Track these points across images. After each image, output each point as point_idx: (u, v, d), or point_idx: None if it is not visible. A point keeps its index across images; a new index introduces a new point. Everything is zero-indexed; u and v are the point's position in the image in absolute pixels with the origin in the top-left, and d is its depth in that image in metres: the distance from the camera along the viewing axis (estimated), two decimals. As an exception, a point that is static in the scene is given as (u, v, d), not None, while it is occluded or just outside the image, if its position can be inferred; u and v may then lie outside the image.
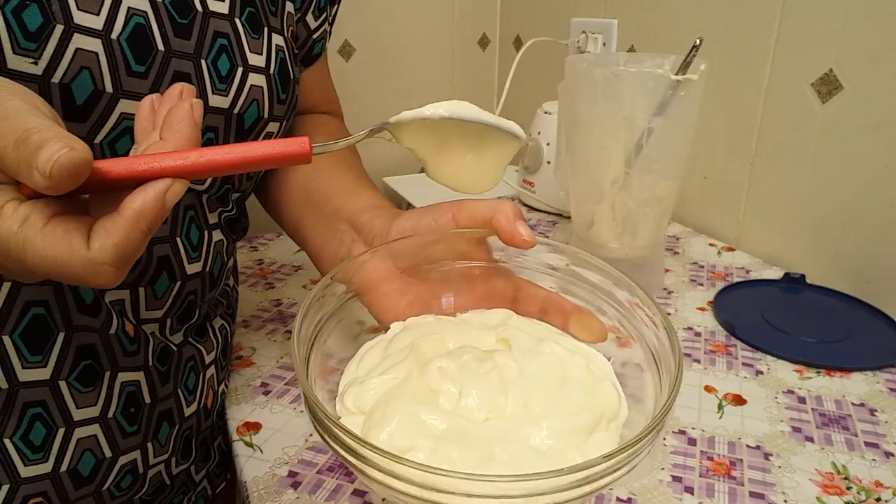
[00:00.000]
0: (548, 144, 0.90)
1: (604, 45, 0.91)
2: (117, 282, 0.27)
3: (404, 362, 0.36)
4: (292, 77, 0.49)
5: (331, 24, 0.58)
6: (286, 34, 0.49)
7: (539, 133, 0.92)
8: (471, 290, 0.43)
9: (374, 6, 1.15)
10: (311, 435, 0.48)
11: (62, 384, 0.40)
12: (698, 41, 0.56)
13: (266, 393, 0.53)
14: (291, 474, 0.44)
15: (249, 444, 0.47)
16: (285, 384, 0.54)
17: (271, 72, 0.46)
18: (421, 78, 1.25)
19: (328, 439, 0.29)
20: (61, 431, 0.40)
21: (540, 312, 0.41)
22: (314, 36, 0.56)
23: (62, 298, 0.39)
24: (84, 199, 0.28)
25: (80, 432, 0.41)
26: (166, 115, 0.29)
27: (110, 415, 0.42)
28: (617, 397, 0.35)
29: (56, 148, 0.23)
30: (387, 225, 0.43)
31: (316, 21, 0.55)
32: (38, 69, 0.34)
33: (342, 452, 0.28)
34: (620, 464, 0.27)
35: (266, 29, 0.46)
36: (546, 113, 0.91)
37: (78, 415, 0.41)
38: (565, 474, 0.26)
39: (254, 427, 0.49)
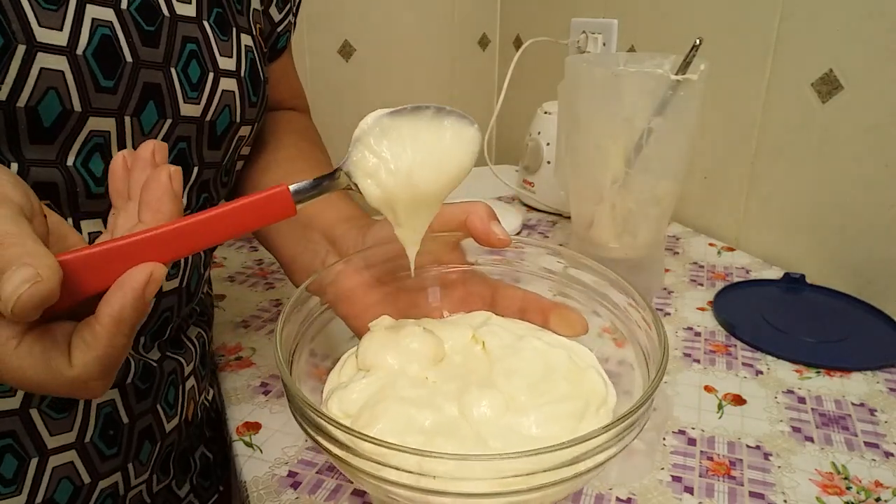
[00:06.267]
0: (548, 144, 0.90)
1: (604, 45, 0.91)
2: (105, 390, 0.25)
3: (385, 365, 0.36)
4: (262, 78, 0.47)
5: (294, 16, 0.57)
6: (254, 32, 0.47)
7: (539, 133, 0.92)
8: (449, 294, 0.43)
9: (374, 6, 1.14)
10: (310, 435, 0.48)
11: (33, 412, 0.38)
12: (698, 41, 0.56)
13: (266, 393, 0.53)
14: (291, 474, 0.44)
15: (249, 444, 0.47)
16: (285, 384, 0.54)
17: (242, 75, 0.44)
18: (421, 78, 1.25)
19: (314, 434, 0.29)
20: (34, 461, 0.39)
21: (519, 312, 0.41)
22: (279, 29, 0.54)
23: None
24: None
25: (54, 460, 0.39)
26: (143, 191, 0.27)
27: (87, 439, 0.41)
28: (603, 384, 0.36)
29: (19, 280, 0.21)
30: (361, 236, 0.42)
31: (280, 13, 0.54)
32: (1, 94, 0.32)
33: (332, 448, 0.28)
34: (615, 437, 0.28)
35: (234, 29, 0.44)
36: (546, 113, 0.91)
37: (52, 442, 0.39)
38: (563, 448, 0.26)
39: (254, 427, 0.49)
